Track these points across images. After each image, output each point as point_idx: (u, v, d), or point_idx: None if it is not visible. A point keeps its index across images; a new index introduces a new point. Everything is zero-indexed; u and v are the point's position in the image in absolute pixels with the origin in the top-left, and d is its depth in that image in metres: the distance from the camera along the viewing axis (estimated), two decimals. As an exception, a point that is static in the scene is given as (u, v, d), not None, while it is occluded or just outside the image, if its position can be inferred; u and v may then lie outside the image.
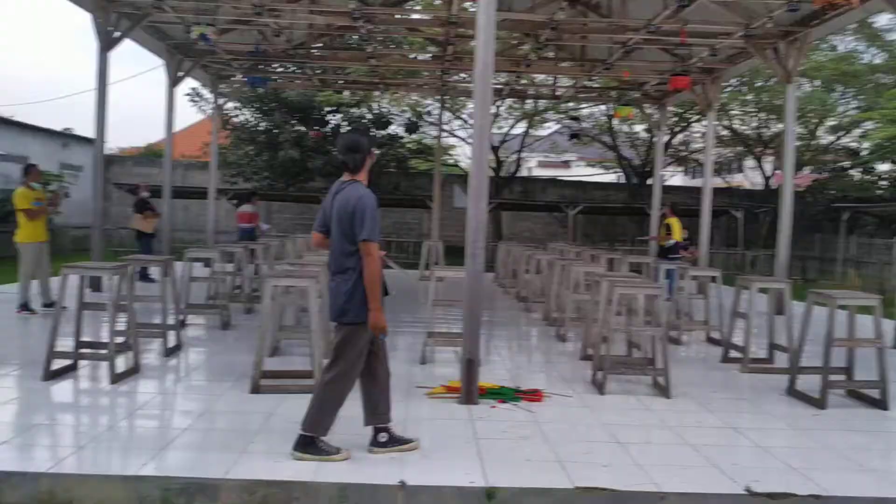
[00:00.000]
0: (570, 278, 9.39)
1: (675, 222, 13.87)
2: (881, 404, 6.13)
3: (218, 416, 5.38)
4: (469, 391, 5.79)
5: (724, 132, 27.67)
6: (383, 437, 4.62)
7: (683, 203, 23.49)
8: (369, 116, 24.12)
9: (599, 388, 6.40)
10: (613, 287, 6.64)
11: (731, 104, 25.83)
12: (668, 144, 27.05)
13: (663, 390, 6.36)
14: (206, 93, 21.60)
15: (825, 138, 28.06)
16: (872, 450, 5.09)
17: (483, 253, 5.96)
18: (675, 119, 26.72)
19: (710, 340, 9.42)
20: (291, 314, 8.65)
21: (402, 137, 25.51)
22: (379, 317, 4.34)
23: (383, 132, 24.12)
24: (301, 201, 25.15)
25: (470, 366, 5.81)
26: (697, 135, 29.24)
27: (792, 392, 6.53)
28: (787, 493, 4.11)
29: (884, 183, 26.81)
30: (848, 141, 28.49)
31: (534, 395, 6.05)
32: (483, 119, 5.98)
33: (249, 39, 14.04)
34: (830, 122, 27.10)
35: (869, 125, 25.21)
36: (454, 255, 20.55)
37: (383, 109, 25.03)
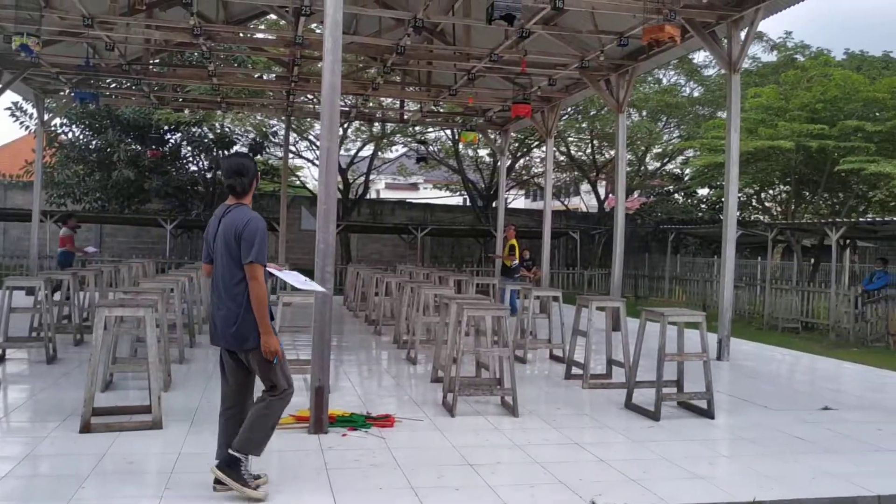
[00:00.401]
0: (420, 300, 9.44)
1: (516, 244, 14.46)
2: (708, 413, 6.59)
3: (42, 460, 4.94)
4: (319, 420, 5.66)
5: (562, 158, 29.05)
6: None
7: (525, 225, 24.40)
8: (211, 136, 23.31)
9: (450, 410, 6.45)
10: (462, 309, 6.74)
11: (567, 131, 27.17)
12: (510, 168, 28.02)
13: (511, 409, 6.51)
14: (30, 107, 20.08)
15: (652, 164, 30.12)
16: (702, 457, 5.44)
17: (332, 277, 5.87)
18: (517, 144, 27.74)
19: (554, 358, 9.78)
20: (127, 345, 8.13)
21: (246, 158, 24.83)
22: (270, 340, 4.20)
23: (226, 152, 23.39)
24: (137, 224, 23.84)
25: (319, 394, 5.68)
26: (537, 160, 30.54)
27: (629, 405, 6.88)
28: (627, 505, 4.31)
29: (703, 206, 29.11)
30: (672, 167, 30.75)
31: (385, 421, 6.01)
32: (331, 141, 5.92)
33: (79, 52, 13.21)
34: (656, 150, 29.13)
35: (690, 153, 27.32)
36: (302, 278, 20.19)
37: (226, 129, 24.28)
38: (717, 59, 10.91)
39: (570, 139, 28.38)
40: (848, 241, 19.27)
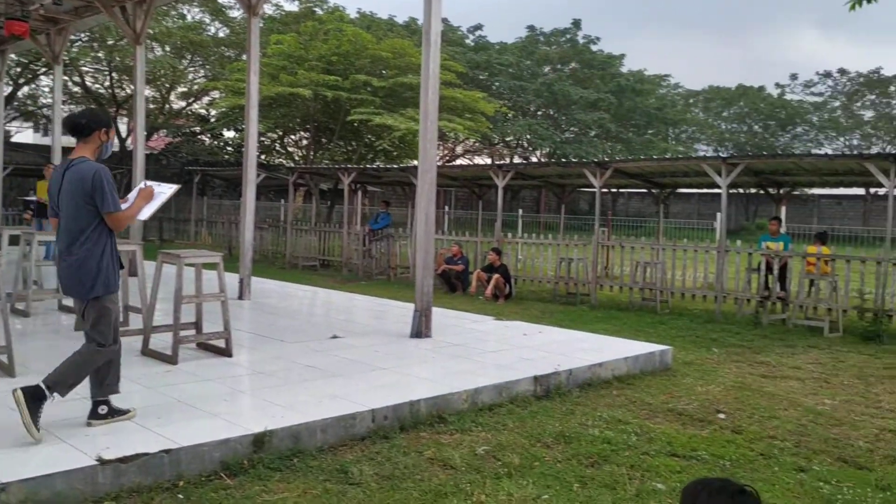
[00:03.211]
0: None
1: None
2: (226, 352, 6.70)
3: None
4: None
5: (77, 89, 26.36)
6: (103, 409, 4.66)
7: (35, 162, 21.65)
8: None
9: (-77, 378, 5.44)
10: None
11: (82, 60, 24.69)
12: (11, 97, 24.47)
13: (7, 370, 5.76)
14: None
15: (177, 103, 29.16)
16: (219, 395, 5.50)
17: None
18: (20, 69, 24.31)
19: (64, 308, 8.93)
20: None
21: None
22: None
23: None
24: None
25: None
26: (46, 88, 27.23)
27: (147, 352, 6.64)
28: (138, 454, 4.14)
29: (230, 148, 29.29)
30: (198, 107, 30.19)
31: None
32: None
33: None
34: (182, 89, 28.26)
35: (216, 94, 27.10)
36: None
37: None
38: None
39: (86, 69, 25.88)
40: (359, 186, 21.26)
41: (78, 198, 4.40)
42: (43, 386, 4.34)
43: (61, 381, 4.45)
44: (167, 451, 4.24)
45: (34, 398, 4.28)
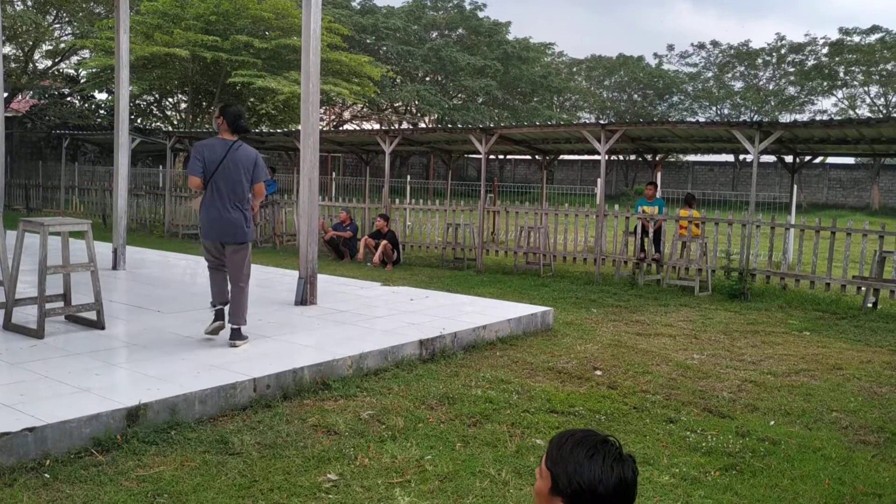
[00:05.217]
0: None
1: None
2: (98, 324, 6.38)
3: None
4: None
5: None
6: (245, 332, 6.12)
7: None
8: None
9: None
10: None
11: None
12: None
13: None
14: None
15: (43, 63, 27.30)
16: (90, 369, 5.24)
17: None
18: None
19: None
20: None
21: None
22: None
23: None
24: None
25: None
26: None
27: (9, 326, 6.24)
28: (-2, 434, 3.90)
29: (103, 112, 27.69)
30: (66, 67, 28.34)
31: None
32: None
33: None
34: (47, 47, 26.45)
35: (85, 53, 25.53)
36: None
37: None
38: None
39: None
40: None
41: (247, 171, 5.95)
42: (237, 326, 6.00)
43: (241, 315, 6.05)
44: (31, 430, 4.01)
45: (240, 334, 6.01)
